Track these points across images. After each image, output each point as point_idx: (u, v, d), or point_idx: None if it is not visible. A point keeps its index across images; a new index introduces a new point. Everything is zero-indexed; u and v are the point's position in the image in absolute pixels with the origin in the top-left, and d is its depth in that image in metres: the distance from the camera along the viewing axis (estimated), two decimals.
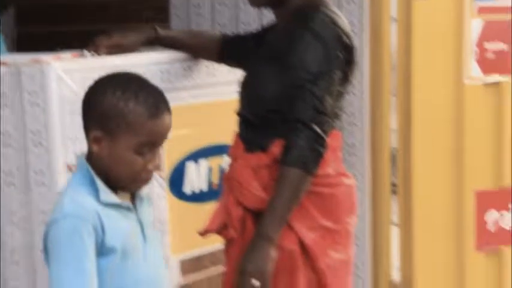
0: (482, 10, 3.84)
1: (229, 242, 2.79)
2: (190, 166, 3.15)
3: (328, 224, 2.69)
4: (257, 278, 2.51)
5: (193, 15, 3.91)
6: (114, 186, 2.10)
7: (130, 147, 2.06)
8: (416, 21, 3.74)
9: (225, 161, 3.12)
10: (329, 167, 2.69)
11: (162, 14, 4.50)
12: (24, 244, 2.71)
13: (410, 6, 3.73)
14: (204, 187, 3.20)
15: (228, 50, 3.04)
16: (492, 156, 3.91)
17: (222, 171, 3.17)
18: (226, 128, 2.91)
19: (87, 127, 2.10)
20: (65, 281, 1.97)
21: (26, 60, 2.68)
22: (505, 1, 3.88)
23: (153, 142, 2.08)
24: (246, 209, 2.70)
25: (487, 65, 3.87)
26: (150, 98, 2.07)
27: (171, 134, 2.13)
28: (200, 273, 3.20)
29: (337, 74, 2.64)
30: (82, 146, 2.66)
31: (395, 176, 3.95)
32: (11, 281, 2.74)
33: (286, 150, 2.57)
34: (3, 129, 2.68)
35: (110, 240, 2.04)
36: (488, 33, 3.85)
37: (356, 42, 2.78)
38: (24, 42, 5.73)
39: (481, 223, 3.91)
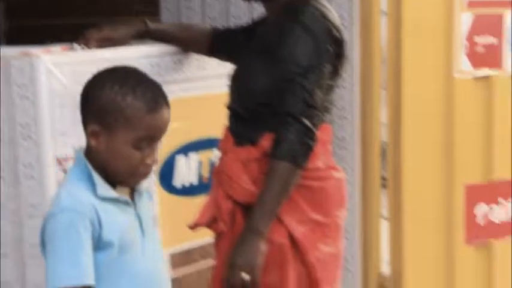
0: (472, 4, 3.84)
1: (219, 236, 2.79)
2: (180, 160, 3.15)
3: (317, 217, 2.69)
4: (247, 272, 2.52)
5: (184, 9, 3.90)
6: (113, 181, 2.09)
7: (128, 141, 2.05)
8: (406, 14, 3.74)
9: (215, 154, 3.12)
10: (319, 160, 2.69)
11: (152, 8, 4.48)
12: (13, 237, 2.70)
13: None
14: (194, 181, 3.20)
15: (218, 43, 3.04)
16: (482, 150, 3.92)
17: (212, 164, 3.17)
18: (216, 122, 2.91)
19: (85, 121, 2.10)
20: (61, 274, 1.97)
21: (16, 54, 2.67)
22: None
23: (151, 137, 2.08)
24: (236, 202, 2.70)
25: (477, 58, 3.87)
26: (148, 92, 2.07)
27: None
28: (190, 267, 3.20)
29: (327, 68, 2.64)
30: (71, 139, 2.68)
31: (385, 169, 3.95)
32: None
33: (276, 143, 2.57)
34: None
35: (107, 234, 2.04)
36: (478, 27, 3.86)
37: (346, 35, 2.79)
38: (14, 36, 5.71)
39: (470, 216, 3.92)
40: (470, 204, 3.92)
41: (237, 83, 2.79)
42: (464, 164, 3.88)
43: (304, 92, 2.58)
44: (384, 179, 3.96)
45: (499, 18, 3.91)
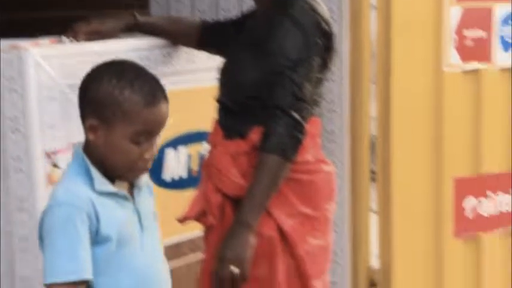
0: None
1: (208, 229, 2.79)
2: (170, 153, 3.14)
3: (307, 210, 2.69)
4: (236, 265, 2.52)
5: (173, 2, 3.89)
6: (112, 176, 2.09)
7: (126, 136, 2.05)
8: (395, 8, 3.74)
9: (204, 148, 3.12)
10: (308, 153, 2.69)
11: (141, 0, 4.47)
12: (2, 231, 2.69)
13: None
14: (184, 174, 3.20)
15: (207, 36, 3.04)
16: (470, 143, 3.93)
17: (201, 158, 3.16)
18: (205, 115, 2.91)
19: (84, 115, 2.09)
20: (59, 268, 1.97)
21: (4, 46, 2.66)
22: None
23: (149, 131, 2.07)
24: (225, 196, 2.70)
25: (466, 52, 3.88)
26: (146, 86, 2.06)
27: None
28: (179, 260, 3.20)
29: (316, 61, 2.64)
30: (60, 133, 2.67)
31: (375, 163, 3.96)
32: None
33: (265, 137, 2.57)
34: None
35: (105, 228, 2.03)
36: (467, 20, 3.87)
37: (335, 29, 2.79)
38: (2, 29, 5.68)
39: (459, 210, 3.94)
40: (459, 197, 3.93)
41: (227, 76, 2.78)
42: (453, 157, 3.89)
43: (293, 85, 2.58)
44: (373, 172, 3.97)
45: (488, 12, 3.91)
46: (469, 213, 3.96)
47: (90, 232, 2.01)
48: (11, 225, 2.68)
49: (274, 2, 2.71)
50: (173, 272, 3.17)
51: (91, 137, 2.07)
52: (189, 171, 3.21)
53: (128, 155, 2.06)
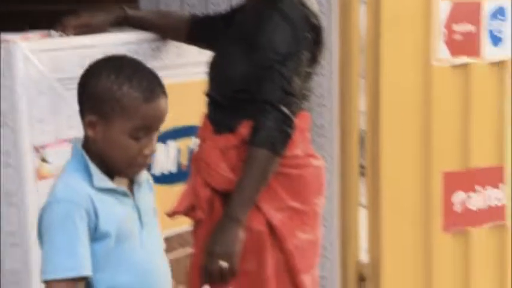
0: None
1: (197, 224, 2.79)
2: (159, 147, 3.13)
3: (296, 205, 2.69)
4: (225, 260, 2.52)
5: None
6: (111, 172, 2.08)
7: (125, 131, 2.03)
8: (385, 2, 3.74)
9: (193, 142, 3.11)
10: (297, 148, 2.69)
11: None
12: None
13: None
14: (173, 168, 3.20)
15: (197, 30, 3.03)
16: (460, 137, 3.94)
17: (191, 152, 3.16)
18: (195, 109, 2.90)
19: (83, 111, 2.08)
20: (57, 265, 1.96)
21: None
22: None
23: (148, 126, 2.06)
24: (214, 190, 2.70)
25: (455, 46, 3.88)
26: (145, 81, 2.05)
27: None
28: (168, 255, 3.18)
29: (305, 55, 2.64)
30: (49, 127, 2.66)
31: (364, 157, 3.96)
32: None
33: (254, 131, 2.57)
34: None
35: (104, 225, 2.02)
36: (457, 14, 3.87)
37: (324, 22, 2.79)
38: None
39: (448, 204, 3.94)
40: (448, 191, 3.94)
41: (216, 71, 2.78)
42: (442, 151, 3.90)
43: (282, 79, 2.58)
44: (362, 167, 3.97)
45: (477, 6, 3.92)
46: (458, 208, 3.97)
47: (89, 228, 2.00)
48: None
49: None
50: None
51: (90, 132, 2.06)
52: (179, 165, 3.21)
53: (127, 150, 2.05)
